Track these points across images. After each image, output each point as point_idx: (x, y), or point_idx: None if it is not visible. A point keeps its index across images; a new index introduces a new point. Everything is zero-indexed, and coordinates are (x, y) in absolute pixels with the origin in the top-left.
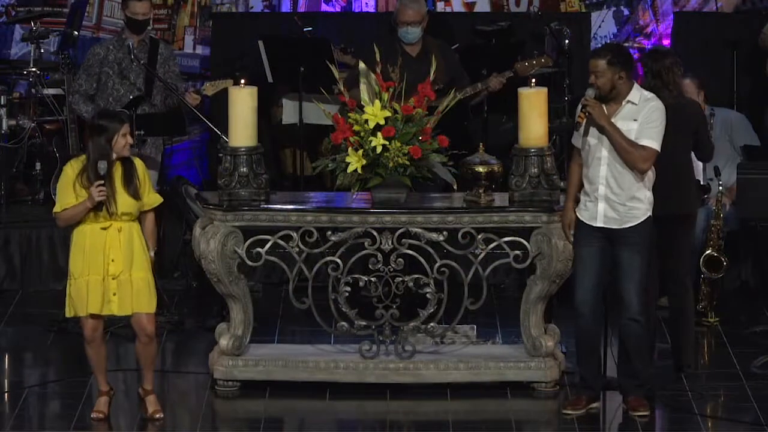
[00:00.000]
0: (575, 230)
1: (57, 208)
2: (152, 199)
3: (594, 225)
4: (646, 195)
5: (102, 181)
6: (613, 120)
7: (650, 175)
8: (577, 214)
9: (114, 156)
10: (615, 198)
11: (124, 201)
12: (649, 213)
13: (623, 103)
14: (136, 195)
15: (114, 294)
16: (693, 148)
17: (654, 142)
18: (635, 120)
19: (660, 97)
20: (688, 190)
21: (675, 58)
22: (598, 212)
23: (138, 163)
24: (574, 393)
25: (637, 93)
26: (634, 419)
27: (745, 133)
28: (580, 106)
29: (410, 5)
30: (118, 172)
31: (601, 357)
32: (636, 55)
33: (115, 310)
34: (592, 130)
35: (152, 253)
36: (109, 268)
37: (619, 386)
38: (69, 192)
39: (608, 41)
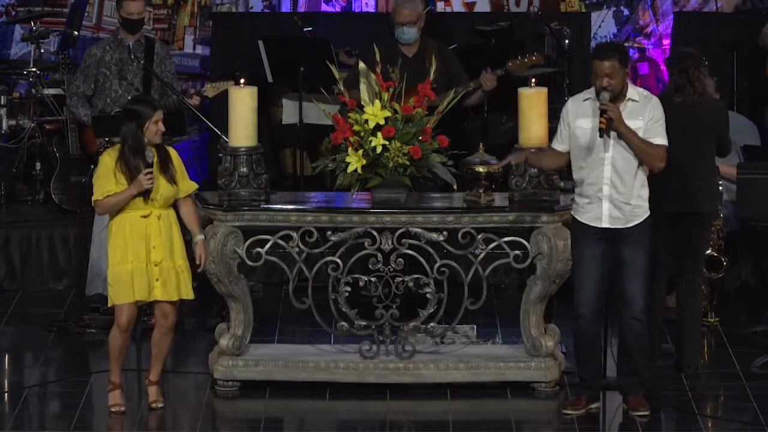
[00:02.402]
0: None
1: (98, 196)
2: (187, 185)
3: (599, 226)
4: (647, 193)
5: (151, 169)
6: None
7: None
8: (576, 216)
9: (146, 141)
10: (620, 197)
11: (163, 187)
12: (649, 212)
13: (625, 101)
14: (172, 181)
15: (157, 280)
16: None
17: (664, 140)
18: (640, 118)
19: (683, 95)
20: (710, 188)
21: (700, 57)
22: (603, 213)
23: (171, 150)
24: (574, 393)
25: (634, 90)
26: (634, 419)
27: (750, 140)
28: (573, 109)
29: (405, 5)
30: (154, 159)
31: (600, 357)
32: (636, 55)
33: (158, 295)
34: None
35: (202, 237)
36: (151, 255)
37: (619, 386)
38: (110, 179)
39: (608, 41)
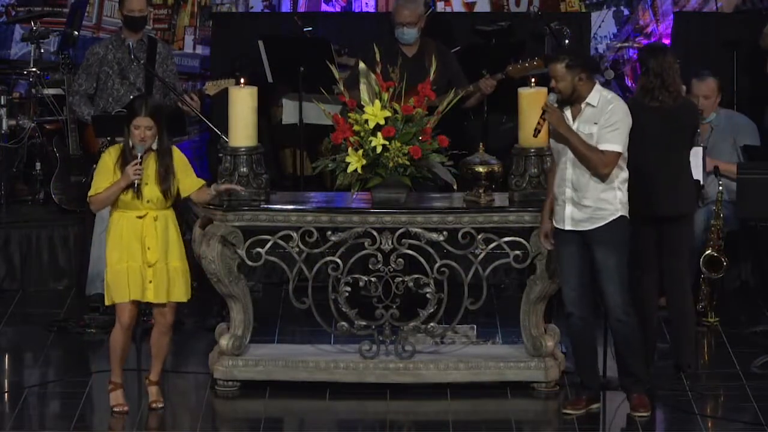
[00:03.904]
0: (555, 233)
1: (91, 192)
2: (189, 184)
3: (563, 228)
4: (615, 195)
5: (138, 161)
6: (575, 123)
7: (623, 175)
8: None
9: (131, 144)
10: (579, 200)
11: (148, 192)
12: (621, 213)
13: (583, 106)
14: (165, 193)
15: (150, 282)
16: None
17: (614, 146)
18: (596, 123)
19: (659, 99)
20: (688, 190)
21: (674, 55)
22: (565, 215)
23: (176, 153)
24: (574, 393)
25: (596, 95)
26: (634, 419)
27: (750, 139)
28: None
29: (406, 5)
30: (152, 165)
31: (596, 355)
32: (636, 55)
33: (151, 297)
34: (556, 135)
35: (234, 186)
36: (146, 256)
37: (620, 386)
38: (106, 177)
39: (608, 41)
